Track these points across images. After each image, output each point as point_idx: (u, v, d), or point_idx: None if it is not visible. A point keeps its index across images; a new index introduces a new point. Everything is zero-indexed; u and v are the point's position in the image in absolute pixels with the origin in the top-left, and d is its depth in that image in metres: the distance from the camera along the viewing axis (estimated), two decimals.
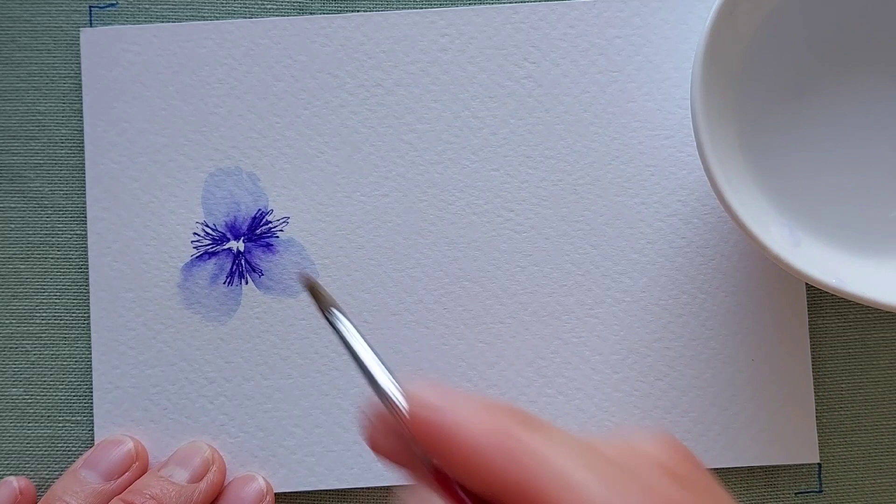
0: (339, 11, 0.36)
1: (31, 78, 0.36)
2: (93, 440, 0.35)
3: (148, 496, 0.32)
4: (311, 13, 0.36)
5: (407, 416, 0.22)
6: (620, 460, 0.22)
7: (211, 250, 0.35)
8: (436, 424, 0.22)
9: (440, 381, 0.24)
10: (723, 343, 0.35)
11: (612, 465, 0.21)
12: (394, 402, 0.23)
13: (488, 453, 0.21)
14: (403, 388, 0.23)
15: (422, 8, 0.36)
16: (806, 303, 0.35)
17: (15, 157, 0.36)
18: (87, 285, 0.35)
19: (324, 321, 0.26)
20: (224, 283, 0.35)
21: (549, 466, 0.21)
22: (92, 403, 0.35)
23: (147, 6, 0.36)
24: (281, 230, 0.35)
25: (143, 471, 0.34)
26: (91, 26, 0.36)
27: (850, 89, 0.34)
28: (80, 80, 0.36)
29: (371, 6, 0.36)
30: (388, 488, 0.35)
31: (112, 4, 0.36)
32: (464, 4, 0.36)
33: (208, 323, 0.35)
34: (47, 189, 0.36)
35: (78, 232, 0.36)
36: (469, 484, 0.22)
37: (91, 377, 0.35)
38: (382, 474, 0.34)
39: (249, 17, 0.36)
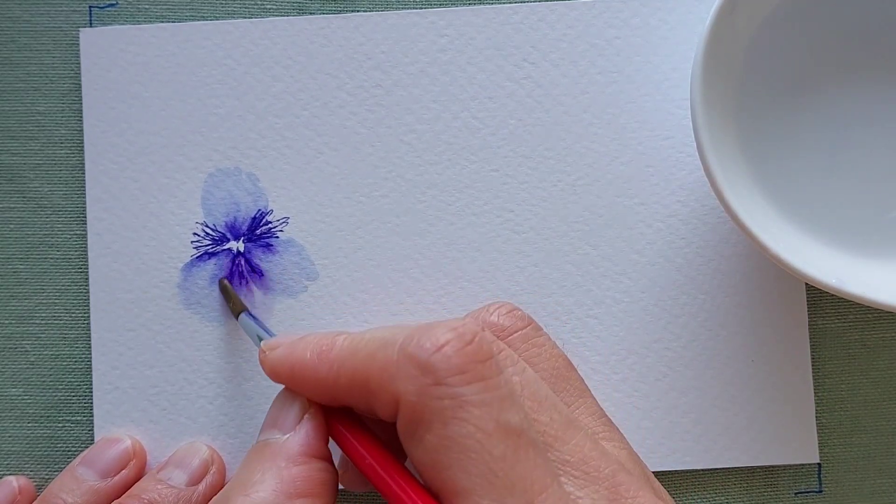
0: (339, 12, 0.36)
1: (31, 78, 0.36)
2: (92, 440, 0.35)
3: (146, 501, 0.32)
4: (310, 13, 0.36)
5: (261, 352, 0.30)
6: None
7: (211, 250, 0.35)
8: (282, 356, 0.29)
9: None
10: (722, 343, 0.35)
11: (406, 328, 0.27)
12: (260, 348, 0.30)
13: (313, 364, 0.28)
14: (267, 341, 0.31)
15: (421, 8, 0.36)
16: (806, 303, 0.35)
17: (14, 158, 0.36)
18: (87, 285, 0.35)
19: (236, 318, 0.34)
20: None
21: (357, 353, 0.27)
22: (92, 403, 0.35)
23: (147, 6, 0.36)
24: (281, 230, 0.35)
25: (141, 469, 0.34)
26: (91, 26, 0.36)
27: (851, 89, 0.34)
28: (80, 81, 0.36)
29: (370, 6, 0.36)
30: None
31: (112, 4, 0.36)
32: (463, 5, 0.36)
33: (208, 323, 0.35)
34: (47, 189, 0.36)
35: (78, 232, 0.36)
36: (320, 396, 0.29)
37: (91, 377, 0.35)
38: None
39: (249, 18, 0.36)
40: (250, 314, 0.34)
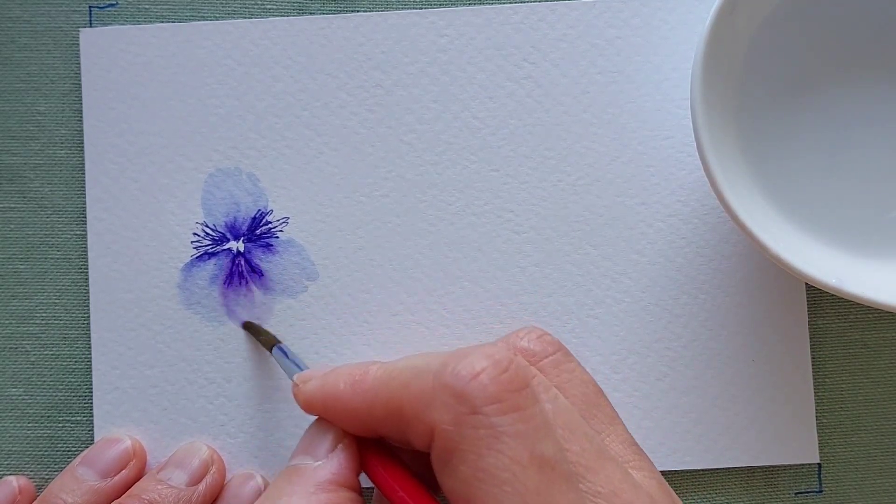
0: (339, 12, 0.36)
1: (31, 78, 0.36)
2: (92, 440, 0.35)
3: (146, 501, 0.32)
4: (310, 13, 0.36)
5: (294, 386, 0.30)
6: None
7: (211, 251, 0.35)
8: (315, 388, 0.29)
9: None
10: (723, 343, 0.35)
11: (440, 356, 0.27)
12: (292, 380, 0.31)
13: (347, 395, 0.28)
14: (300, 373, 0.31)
15: (421, 8, 0.36)
16: (806, 303, 0.35)
17: (14, 158, 0.36)
18: (87, 285, 0.35)
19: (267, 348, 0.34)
20: (224, 283, 0.35)
21: (391, 382, 0.27)
22: (92, 403, 0.35)
23: (147, 6, 0.36)
24: (281, 230, 0.35)
25: (141, 469, 0.34)
26: (91, 26, 0.36)
27: (851, 89, 0.34)
28: (80, 81, 0.36)
29: (370, 6, 0.36)
30: None
31: (112, 4, 0.36)
32: (463, 5, 0.36)
33: (208, 323, 0.35)
34: (47, 189, 0.36)
35: (78, 232, 0.36)
36: (354, 427, 0.28)
37: (91, 377, 0.35)
38: None
39: (249, 18, 0.36)
40: (281, 348, 0.34)
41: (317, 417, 0.30)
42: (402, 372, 0.27)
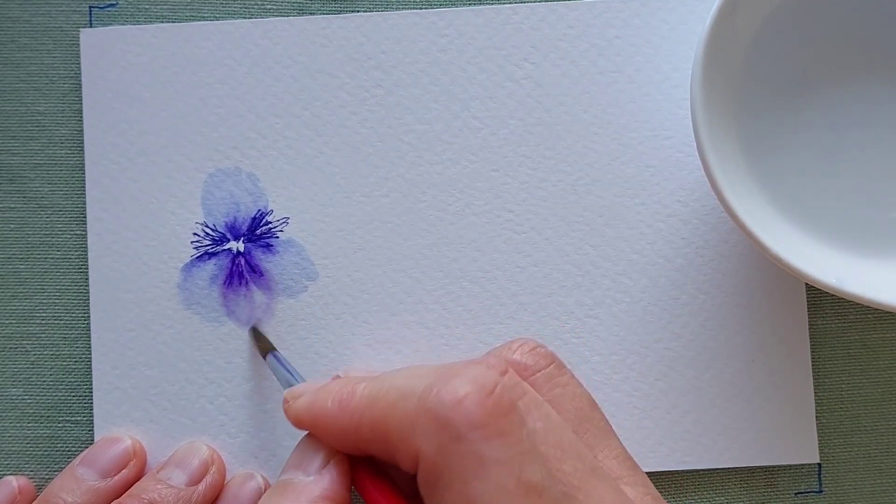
0: (339, 12, 0.36)
1: (31, 78, 0.36)
2: (92, 440, 0.35)
3: (146, 500, 0.32)
4: (310, 14, 0.36)
5: (284, 402, 0.30)
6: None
7: (211, 251, 0.35)
8: (304, 406, 0.29)
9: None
10: (723, 343, 0.35)
11: (426, 375, 0.26)
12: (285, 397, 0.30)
13: (335, 413, 0.28)
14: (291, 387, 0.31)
15: (421, 8, 0.36)
16: (806, 303, 0.35)
17: (14, 158, 0.36)
18: (87, 285, 0.35)
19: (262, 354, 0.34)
20: (224, 283, 0.35)
21: (377, 403, 0.27)
22: (92, 403, 0.35)
23: (147, 6, 0.36)
24: (281, 230, 0.35)
25: (141, 469, 0.34)
26: (91, 27, 0.36)
27: (851, 89, 0.34)
28: (80, 81, 0.36)
29: (371, 7, 0.36)
30: None
31: (112, 5, 0.36)
32: (463, 5, 0.36)
33: (208, 323, 0.35)
34: (47, 189, 0.36)
35: (78, 232, 0.36)
36: (342, 446, 0.28)
37: (91, 377, 0.35)
38: None
39: (249, 18, 0.36)
40: (276, 356, 0.34)
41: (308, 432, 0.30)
42: (388, 393, 0.27)
